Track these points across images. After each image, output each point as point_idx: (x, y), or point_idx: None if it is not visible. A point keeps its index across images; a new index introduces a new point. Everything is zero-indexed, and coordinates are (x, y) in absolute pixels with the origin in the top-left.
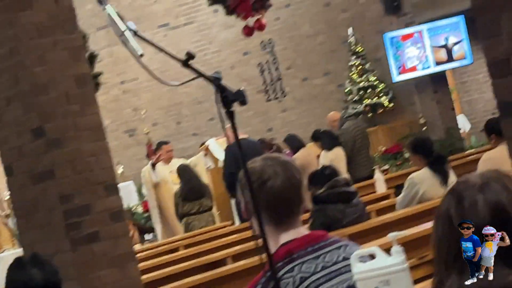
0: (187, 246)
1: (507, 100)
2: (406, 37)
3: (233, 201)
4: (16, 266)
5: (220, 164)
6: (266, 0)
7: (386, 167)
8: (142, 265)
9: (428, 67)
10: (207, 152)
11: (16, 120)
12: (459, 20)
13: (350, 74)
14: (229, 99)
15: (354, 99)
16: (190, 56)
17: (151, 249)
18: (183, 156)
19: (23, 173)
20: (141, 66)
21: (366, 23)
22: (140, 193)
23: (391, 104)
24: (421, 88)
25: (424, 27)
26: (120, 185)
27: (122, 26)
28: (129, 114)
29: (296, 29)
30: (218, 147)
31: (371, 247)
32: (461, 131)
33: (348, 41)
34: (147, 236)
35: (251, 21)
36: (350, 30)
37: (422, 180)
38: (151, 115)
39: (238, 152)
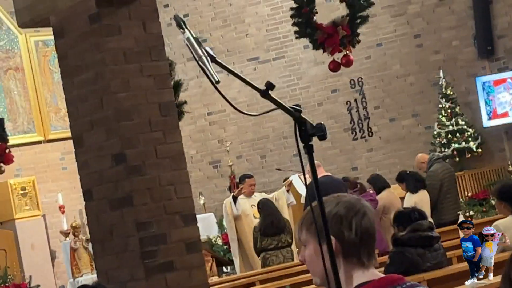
0: (263, 282)
1: None
2: (499, 82)
3: None
4: None
5: (302, 200)
6: (355, 36)
7: (471, 213)
8: None
9: None
10: (290, 187)
11: (98, 145)
12: None
13: (439, 117)
14: (308, 132)
15: (442, 142)
16: (270, 86)
17: (228, 282)
18: (265, 190)
19: (102, 198)
20: (218, 92)
21: (458, 66)
22: (221, 225)
23: (479, 150)
24: (511, 135)
25: None
26: (201, 216)
27: (199, 52)
28: (215, 145)
29: (387, 68)
30: (301, 183)
31: None
32: None
33: (439, 83)
34: (225, 269)
35: (338, 56)
36: (441, 72)
37: (507, 227)
38: (236, 147)
39: (321, 188)
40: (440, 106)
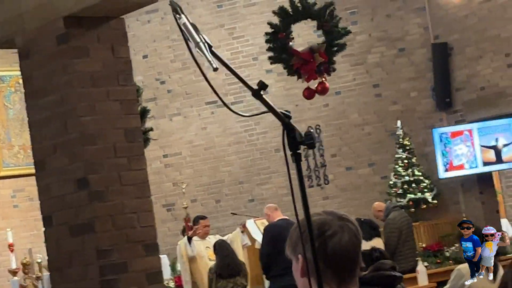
0: None
1: None
2: (456, 134)
3: (267, 283)
4: None
5: (257, 245)
6: (331, 63)
7: (425, 264)
8: None
9: (476, 167)
10: (245, 229)
11: (60, 169)
12: (510, 122)
13: (396, 167)
14: (296, 140)
15: (397, 193)
16: (263, 86)
17: None
18: (220, 235)
19: (62, 224)
20: (209, 86)
21: (415, 117)
22: (174, 267)
23: (435, 201)
24: (467, 187)
25: (474, 125)
26: None
27: (197, 38)
28: (169, 188)
29: (345, 117)
30: (256, 227)
31: None
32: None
33: (396, 133)
34: None
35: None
36: (398, 123)
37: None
38: (191, 191)
39: (277, 233)
40: (397, 156)
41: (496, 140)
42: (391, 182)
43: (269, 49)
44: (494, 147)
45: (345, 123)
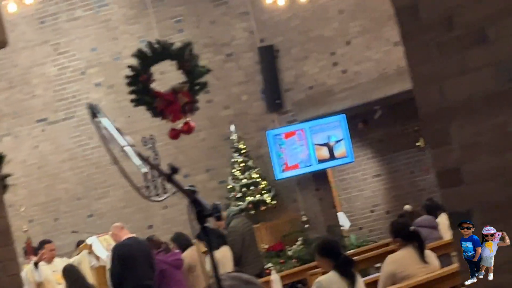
0: None
1: (458, 211)
2: (289, 134)
3: None
4: None
5: (102, 261)
6: (195, 102)
7: (269, 265)
8: None
9: (311, 165)
10: (91, 250)
11: None
12: (340, 119)
13: (233, 171)
14: (204, 213)
15: (236, 196)
16: (175, 170)
17: None
18: (60, 253)
19: None
20: (128, 182)
21: (248, 120)
22: None
23: (274, 202)
24: (303, 185)
25: (306, 125)
26: None
27: (122, 141)
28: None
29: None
30: (99, 245)
31: None
32: (341, 229)
33: (231, 137)
34: None
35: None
36: (232, 127)
37: (330, 283)
38: (27, 211)
39: (127, 252)
40: (233, 160)
41: (328, 137)
42: (229, 187)
43: (131, 92)
44: (326, 144)
45: None
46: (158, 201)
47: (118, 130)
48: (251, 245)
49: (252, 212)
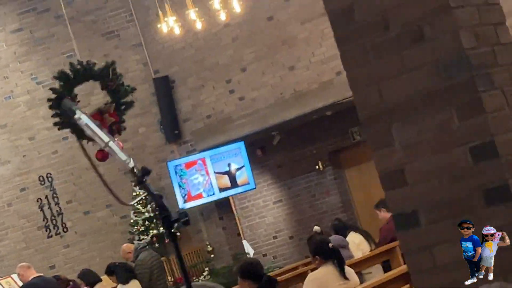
0: None
1: (402, 212)
2: (190, 164)
3: None
4: None
5: None
6: (122, 122)
7: None
8: None
9: (213, 194)
10: None
11: None
12: (239, 146)
13: (135, 205)
14: (171, 219)
15: (140, 230)
16: (146, 172)
17: None
18: None
19: None
20: (103, 184)
21: (147, 152)
22: None
23: (178, 233)
24: (207, 215)
25: (206, 154)
26: None
27: (105, 137)
28: None
29: (75, 162)
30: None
31: None
32: (247, 256)
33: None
34: None
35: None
36: (132, 163)
37: None
38: None
39: None
40: (134, 194)
41: (229, 165)
42: (131, 221)
43: (54, 115)
44: (227, 173)
45: (76, 168)
46: (131, 204)
47: (100, 126)
48: (160, 278)
49: (157, 245)
